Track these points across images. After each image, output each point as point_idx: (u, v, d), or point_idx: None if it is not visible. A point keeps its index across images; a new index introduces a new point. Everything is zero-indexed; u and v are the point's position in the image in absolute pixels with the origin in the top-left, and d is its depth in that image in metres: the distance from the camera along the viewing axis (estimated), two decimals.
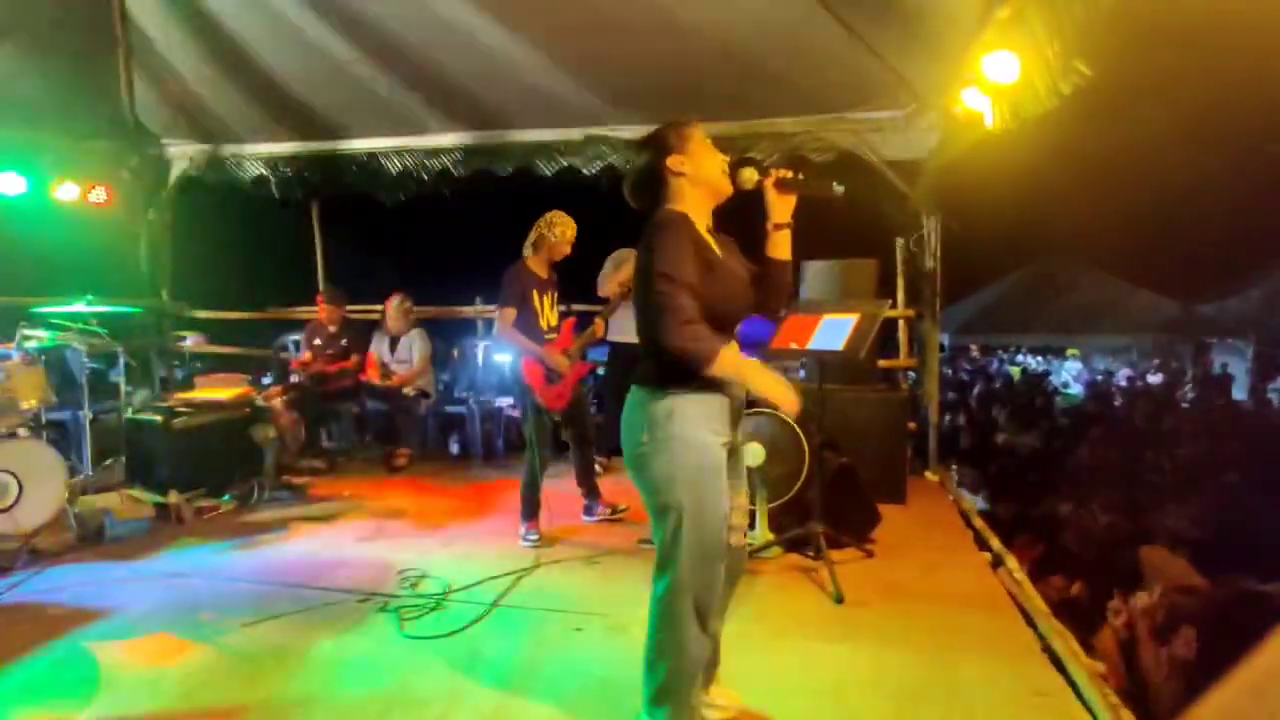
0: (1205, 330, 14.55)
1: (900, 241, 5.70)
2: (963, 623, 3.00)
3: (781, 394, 1.95)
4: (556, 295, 4.08)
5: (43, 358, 4.24)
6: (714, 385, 1.96)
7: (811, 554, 3.64)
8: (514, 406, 6.02)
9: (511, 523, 4.04)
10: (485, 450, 5.94)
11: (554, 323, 4.03)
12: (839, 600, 3.19)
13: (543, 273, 4.02)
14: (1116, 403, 11.34)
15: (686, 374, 1.90)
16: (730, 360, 1.91)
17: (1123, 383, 13.73)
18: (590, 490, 4.32)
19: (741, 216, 2.24)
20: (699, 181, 2.03)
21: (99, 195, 6.10)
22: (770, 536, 3.82)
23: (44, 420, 4.40)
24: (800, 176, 2.11)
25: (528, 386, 3.90)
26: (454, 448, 6.24)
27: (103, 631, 2.93)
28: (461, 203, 6.26)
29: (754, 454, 3.80)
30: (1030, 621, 2.99)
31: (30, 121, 5.48)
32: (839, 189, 2.13)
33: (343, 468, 5.63)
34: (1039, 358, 17.17)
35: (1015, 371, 15.24)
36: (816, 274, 5.15)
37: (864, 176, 5.24)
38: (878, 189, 5.27)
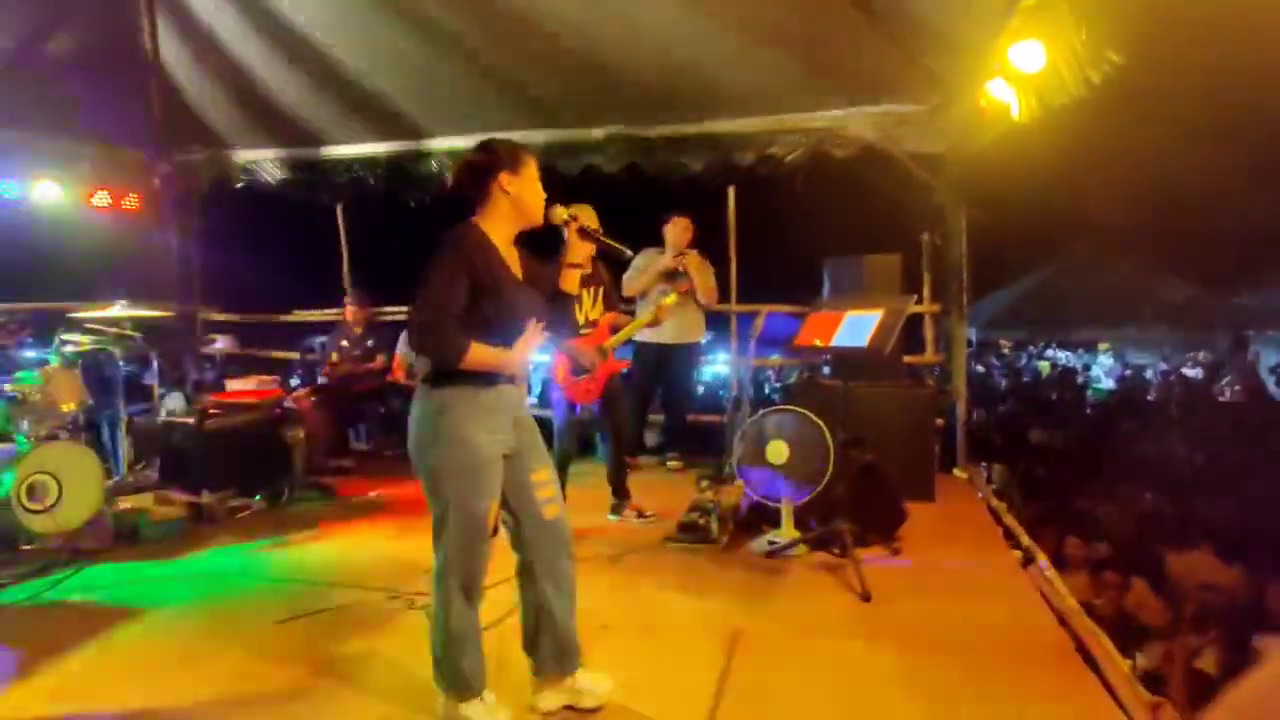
0: (1243, 321, 14.18)
1: (925, 236, 5.63)
2: (993, 621, 2.96)
3: (517, 361, 2.17)
4: (601, 290, 4.09)
5: (79, 362, 4.35)
6: (483, 382, 2.12)
7: (837, 552, 3.61)
8: (533, 405, 6.05)
9: None
10: None
11: (593, 317, 4.04)
12: (866, 598, 3.17)
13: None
14: (1150, 397, 11.12)
15: (457, 373, 2.08)
16: (476, 355, 2.07)
17: (1157, 377, 13.45)
18: (618, 489, 4.32)
19: None
20: (520, 204, 2.20)
21: (131, 202, 6.25)
22: (795, 534, 3.80)
23: (81, 423, 4.51)
24: (598, 230, 2.41)
25: (550, 380, 3.95)
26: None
27: (140, 629, 3.00)
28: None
29: (778, 451, 3.79)
30: (1064, 621, 2.94)
31: (65, 131, 5.60)
32: (629, 253, 2.52)
33: (370, 467, 5.69)
34: (1069, 352, 16.87)
35: (1045, 366, 14.98)
36: (840, 269, 5.11)
37: (888, 170, 5.19)
38: (902, 183, 5.22)
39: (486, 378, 2.13)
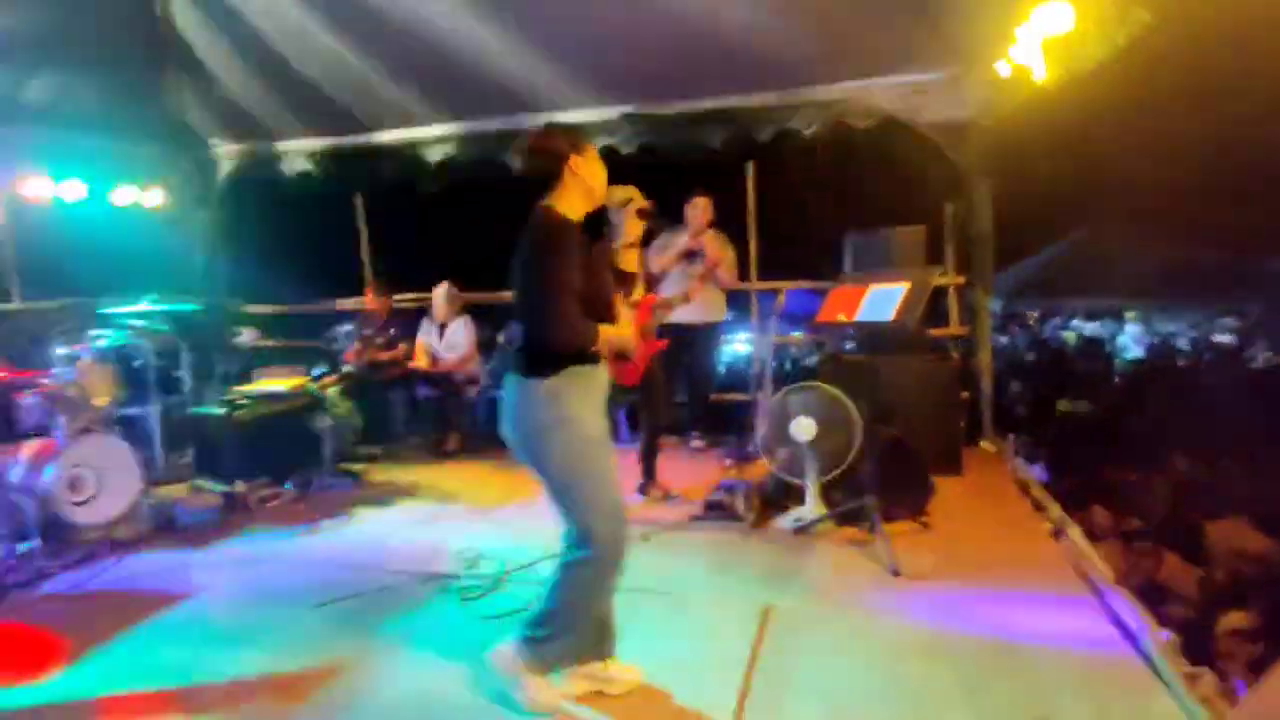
0: (1277, 287, 13.84)
1: (949, 206, 5.55)
2: (1026, 595, 2.94)
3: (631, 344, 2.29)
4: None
5: (112, 356, 4.42)
6: (590, 362, 2.17)
7: (865, 527, 3.60)
8: None
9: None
10: None
11: (634, 298, 4.02)
12: (895, 573, 3.16)
13: None
14: (1180, 365, 10.93)
15: (563, 358, 2.11)
16: (606, 335, 2.16)
17: (1186, 344, 13.21)
18: (648, 469, 4.33)
19: None
20: (588, 185, 2.24)
21: (154, 198, 6.32)
22: (822, 511, 3.80)
23: (115, 416, 4.59)
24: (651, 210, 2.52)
25: None
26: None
27: (181, 616, 3.07)
28: (503, 187, 6.29)
29: (804, 428, 3.77)
30: (1098, 592, 2.92)
31: (87, 129, 5.66)
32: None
33: (397, 454, 5.75)
34: (1095, 322, 16.60)
35: (1070, 337, 14.76)
36: (862, 243, 5.06)
37: (909, 141, 5.11)
38: (923, 153, 5.13)
39: (591, 358, 2.16)
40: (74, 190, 5.79)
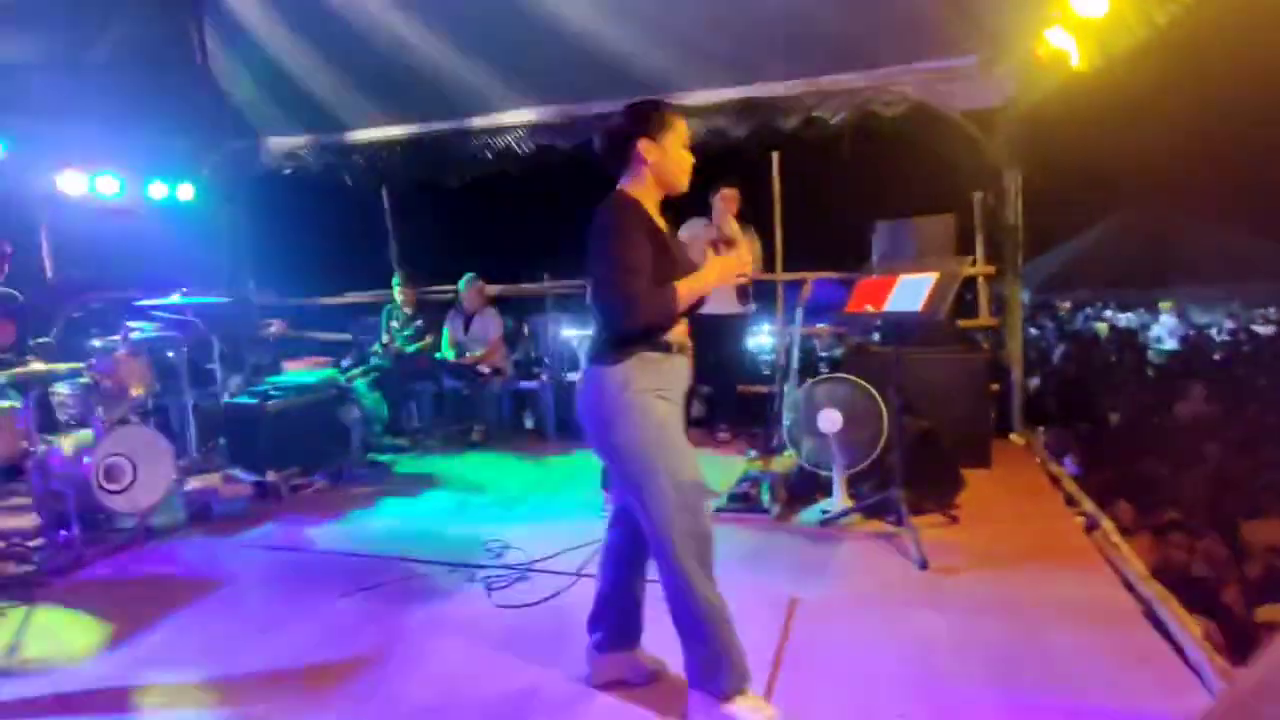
0: None
1: (978, 195, 5.46)
2: (1056, 588, 2.90)
3: (723, 272, 2.13)
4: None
5: (146, 348, 4.51)
6: (664, 350, 2.07)
7: (892, 520, 3.57)
8: None
9: (588, 494, 4.10)
10: (559, 424, 6.03)
11: None
12: (923, 566, 3.13)
13: None
14: (1216, 357, 10.67)
15: (636, 344, 2.03)
16: (685, 289, 2.05)
17: (1224, 335, 12.90)
18: None
19: None
20: (660, 172, 2.10)
21: (186, 192, 6.43)
22: (849, 503, 3.77)
23: (150, 407, 4.69)
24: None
25: None
26: (528, 422, 6.36)
27: (215, 602, 3.14)
28: (529, 180, 6.30)
29: (831, 420, 3.75)
30: (1131, 586, 2.87)
31: (120, 125, 5.76)
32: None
33: (424, 445, 5.81)
34: (1128, 314, 16.26)
35: (1102, 328, 14.49)
36: (890, 233, 4.99)
37: (937, 129, 5.02)
38: (953, 141, 5.04)
39: (664, 346, 2.07)
40: (108, 185, 5.91)
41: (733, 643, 2.05)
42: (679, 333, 2.13)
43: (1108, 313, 16.55)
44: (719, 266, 2.14)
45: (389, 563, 3.44)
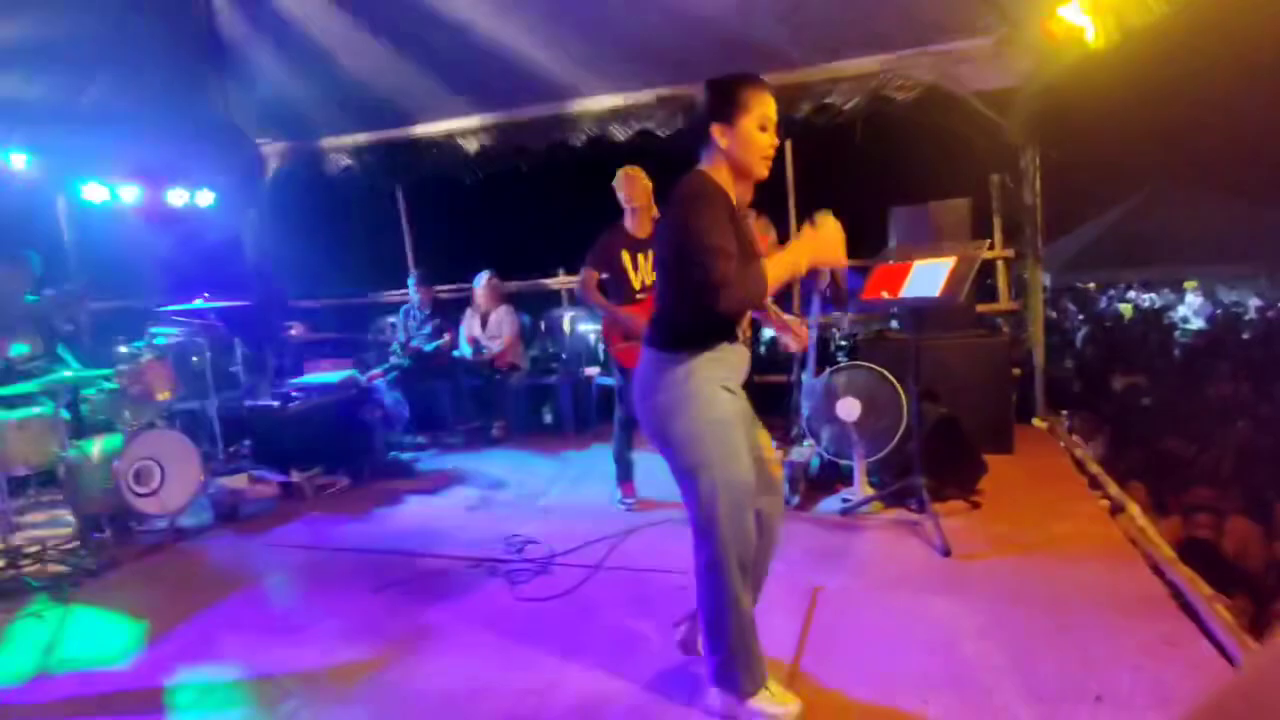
0: None
1: (996, 178, 5.39)
2: (1081, 573, 2.87)
3: (811, 247, 1.96)
4: (642, 252, 3.91)
5: (171, 353, 4.59)
6: (727, 339, 2.02)
7: (914, 507, 3.55)
8: (604, 373, 6.10)
9: (607, 488, 4.12)
10: (577, 419, 6.05)
11: (649, 282, 3.91)
12: (945, 553, 3.11)
13: (638, 232, 3.92)
14: (1245, 336, 10.47)
15: (698, 334, 1.98)
16: (775, 271, 1.91)
17: (1252, 314, 12.65)
18: None
19: None
20: (733, 159, 1.99)
21: (205, 198, 6.52)
22: (869, 491, 3.76)
23: (176, 411, 4.77)
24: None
25: (607, 345, 3.96)
26: (547, 418, 6.39)
27: (245, 600, 3.19)
28: (539, 176, 6.32)
29: (850, 408, 3.73)
30: (1158, 569, 2.83)
31: (140, 133, 5.84)
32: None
33: (444, 442, 5.86)
34: (1153, 294, 15.99)
35: (1126, 309, 14.26)
36: (906, 219, 4.95)
37: (952, 111, 4.96)
38: (968, 123, 4.98)
39: (728, 335, 2.02)
40: (129, 193, 6.00)
41: (753, 646, 2.06)
42: (744, 321, 2.09)
43: (1132, 294, 16.28)
44: (810, 246, 1.96)
45: (412, 559, 3.48)
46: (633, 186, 3.89)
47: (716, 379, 2.00)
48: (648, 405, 2.04)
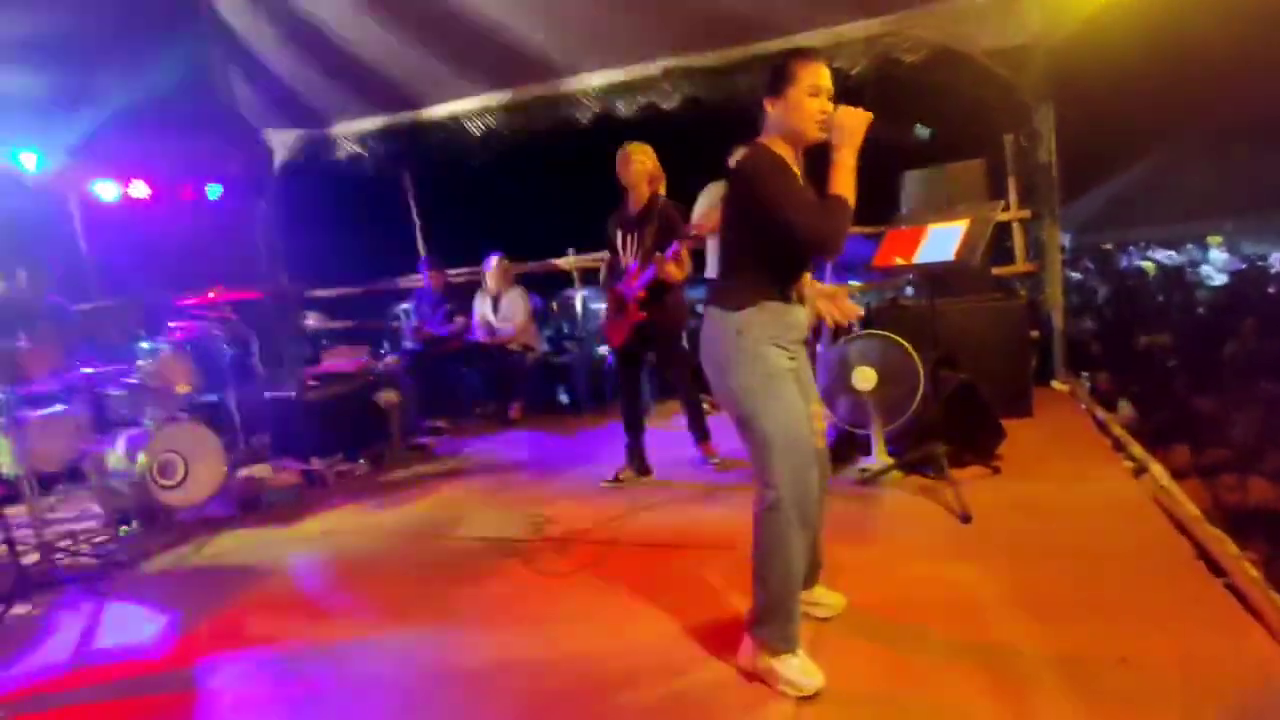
0: None
1: (1009, 137, 5.28)
2: (1106, 536, 2.84)
3: (849, 139, 2.04)
4: (643, 232, 3.87)
5: (188, 347, 4.63)
6: (782, 298, 2.13)
7: (933, 475, 3.53)
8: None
9: (621, 462, 4.13)
10: (592, 398, 6.06)
11: (630, 261, 3.94)
12: (966, 519, 3.09)
13: (630, 209, 3.96)
14: (1271, 290, 10.27)
15: (756, 291, 2.10)
16: (842, 185, 2.02)
17: (1278, 266, 12.39)
18: (697, 433, 4.15)
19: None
20: (784, 128, 2.11)
21: (215, 190, 6.54)
22: (888, 460, 3.74)
23: (197, 403, 4.82)
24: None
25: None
26: (563, 398, 6.40)
27: (271, 587, 3.24)
28: (546, 156, 6.28)
29: (866, 378, 3.70)
30: (1183, 529, 2.80)
31: (146, 128, 5.86)
32: (926, 132, 2.32)
33: (461, 425, 5.89)
34: (1174, 251, 15.69)
35: (1149, 267, 14.02)
36: (918, 182, 4.87)
37: (961, 71, 4.85)
38: (979, 82, 4.87)
39: (787, 295, 2.13)
40: (139, 189, 6.03)
41: (794, 604, 2.13)
42: (801, 282, 2.18)
43: (1153, 251, 15.99)
44: (848, 138, 2.03)
45: (434, 541, 3.51)
46: (624, 166, 3.87)
47: (768, 337, 2.10)
48: (708, 361, 2.17)
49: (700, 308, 2.88)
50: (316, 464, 4.71)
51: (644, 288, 3.85)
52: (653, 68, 5.53)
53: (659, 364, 4.19)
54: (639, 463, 4.09)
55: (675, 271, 3.78)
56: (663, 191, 3.93)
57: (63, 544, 3.76)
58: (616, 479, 4.03)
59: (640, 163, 3.85)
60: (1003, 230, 5.37)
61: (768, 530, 2.09)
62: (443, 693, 2.31)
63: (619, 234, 3.95)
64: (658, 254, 3.76)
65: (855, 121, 2.03)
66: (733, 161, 2.15)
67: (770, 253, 2.09)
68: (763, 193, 2.02)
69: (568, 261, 6.75)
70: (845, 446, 4.00)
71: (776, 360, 2.11)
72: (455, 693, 2.30)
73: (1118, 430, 4.10)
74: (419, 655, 2.53)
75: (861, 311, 2.49)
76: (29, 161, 5.12)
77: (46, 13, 4.65)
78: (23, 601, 3.23)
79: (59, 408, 4.02)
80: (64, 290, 4.58)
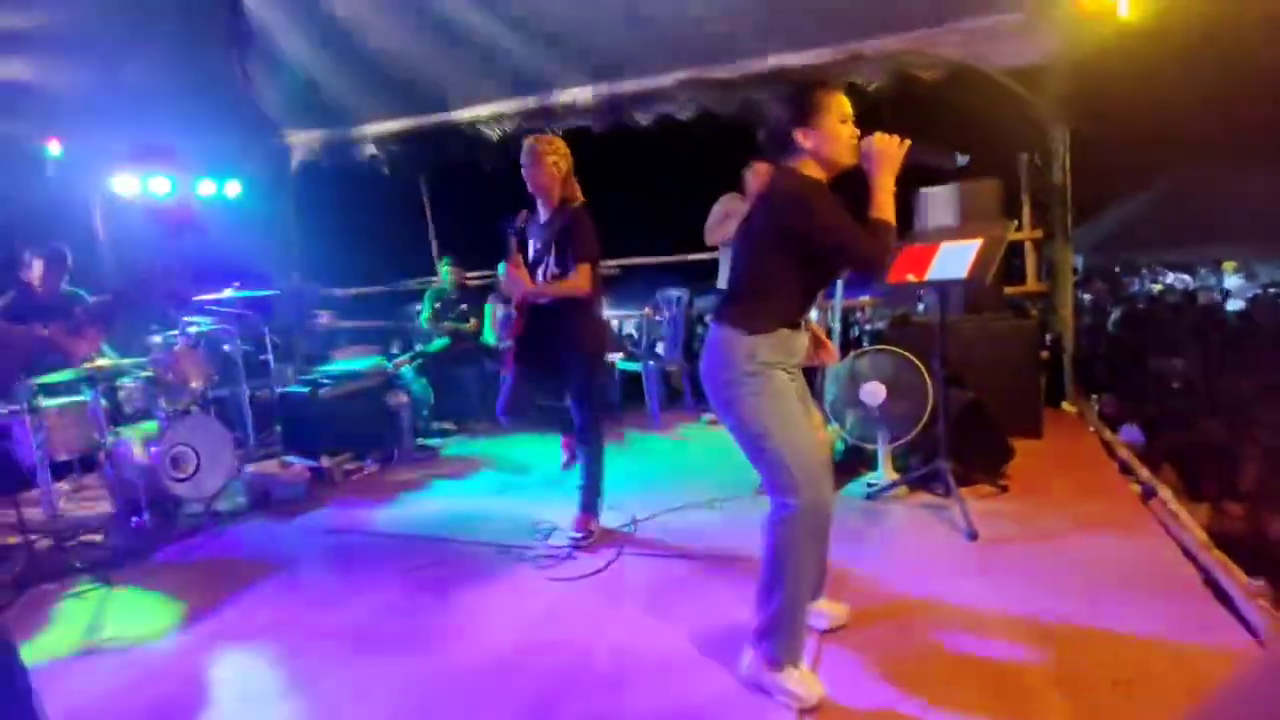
0: None
1: (1024, 156, 5.29)
2: (1111, 557, 2.84)
3: (887, 165, 2.09)
4: (539, 243, 3.37)
5: (203, 342, 4.68)
6: (791, 325, 2.16)
7: (940, 492, 3.53)
8: (628, 357, 6.13)
9: (630, 472, 4.14)
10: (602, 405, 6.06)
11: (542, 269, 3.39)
12: (972, 537, 3.09)
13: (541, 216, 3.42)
14: None
15: (769, 315, 2.12)
16: (884, 210, 2.09)
17: None
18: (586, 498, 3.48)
19: None
20: (820, 156, 2.11)
21: (233, 189, 6.62)
22: (895, 476, 3.74)
23: (209, 398, 4.87)
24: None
25: None
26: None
27: (278, 581, 3.27)
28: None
29: (875, 392, 3.71)
30: (1190, 554, 2.79)
31: (169, 125, 5.94)
32: (962, 158, 2.22)
33: (470, 428, 5.92)
34: (1186, 276, 15.60)
35: (1161, 291, 13.95)
36: (934, 200, 4.88)
37: (978, 90, 4.87)
38: (995, 102, 4.89)
39: (794, 322, 2.17)
40: (160, 186, 6.10)
41: (799, 619, 2.14)
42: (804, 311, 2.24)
43: (1166, 275, 15.91)
44: (886, 164, 2.09)
45: (440, 544, 3.53)
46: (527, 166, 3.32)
47: (777, 363, 2.13)
48: (713, 384, 2.17)
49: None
50: (325, 461, 4.74)
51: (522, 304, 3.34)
52: (667, 79, 5.57)
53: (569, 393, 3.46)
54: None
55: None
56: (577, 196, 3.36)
57: (75, 532, 3.80)
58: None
59: (546, 165, 3.28)
60: (1013, 249, 5.38)
61: (780, 543, 2.10)
62: (443, 695, 2.32)
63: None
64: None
65: (893, 149, 2.09)
66: (768, 184, 2.17)
67: (804, 276, 2.12)
68: (815, 218, 2.04)
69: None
70: (852, 460, 4.01)
71: (781, 379, 2.14)
72: (456, 696, 2.31)
73: (1124, 453, 4.09)
74: (420, 657, 2.55)
75: (836, 358, 2.42)
76: (53, 149, 5.18)
77: (78, 6, 4.72)
78: (35, 587, 3.27)
79: (78, 397, 4.07)
80: (79, 282, 4.63)
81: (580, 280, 3.22)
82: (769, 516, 2.12)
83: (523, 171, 3.31)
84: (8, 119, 5.07)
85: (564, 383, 3.43)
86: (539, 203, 3.39)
